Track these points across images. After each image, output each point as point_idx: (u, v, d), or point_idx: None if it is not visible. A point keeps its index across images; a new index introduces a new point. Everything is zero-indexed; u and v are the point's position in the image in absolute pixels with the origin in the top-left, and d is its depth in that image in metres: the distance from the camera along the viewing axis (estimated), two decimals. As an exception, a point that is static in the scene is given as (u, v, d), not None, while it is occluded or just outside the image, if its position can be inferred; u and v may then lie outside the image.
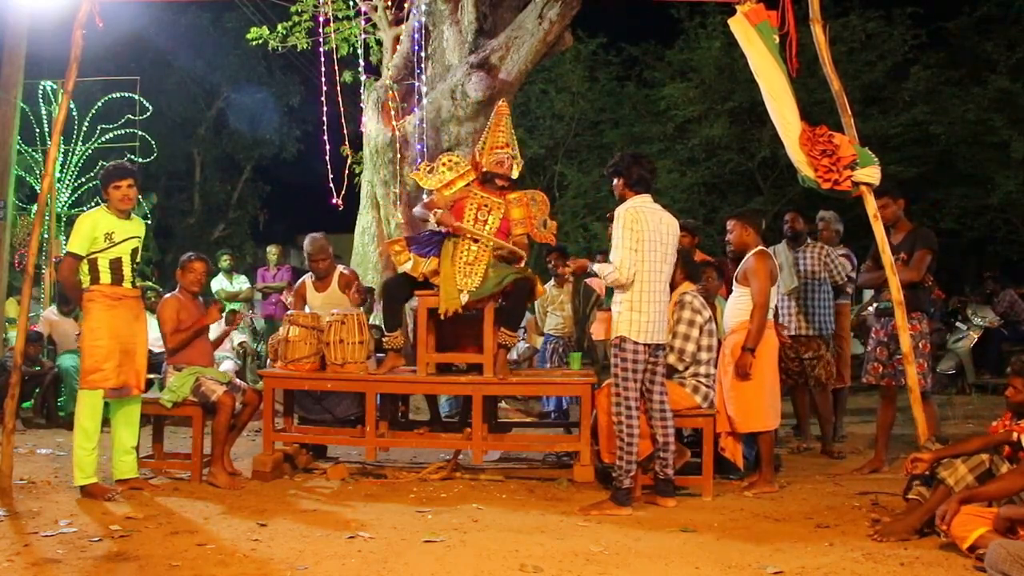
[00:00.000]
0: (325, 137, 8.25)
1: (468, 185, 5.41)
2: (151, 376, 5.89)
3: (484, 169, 5.37)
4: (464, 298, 5.10)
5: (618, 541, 3.93)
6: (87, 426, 4.69)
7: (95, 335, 4.70)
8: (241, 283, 9.66)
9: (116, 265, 4.77)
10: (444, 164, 5.48)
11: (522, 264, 5.40)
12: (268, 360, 6.12)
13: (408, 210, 8.31)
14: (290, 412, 5.74)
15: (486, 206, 5.32)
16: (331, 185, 8.20)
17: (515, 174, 5.41)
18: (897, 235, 5.44)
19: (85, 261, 4.74)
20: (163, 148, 13.12)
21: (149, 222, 13.53)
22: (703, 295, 5.29)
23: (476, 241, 5.21)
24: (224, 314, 5.92)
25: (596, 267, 4.77)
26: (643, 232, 4.52)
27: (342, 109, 8.52)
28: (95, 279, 4.76)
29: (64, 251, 5.00)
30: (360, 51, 9.15)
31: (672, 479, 4.72)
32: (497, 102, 5.71)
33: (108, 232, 4.74)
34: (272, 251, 10.08)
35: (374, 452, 5.39)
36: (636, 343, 4.51)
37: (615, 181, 4.73)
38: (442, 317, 5.17)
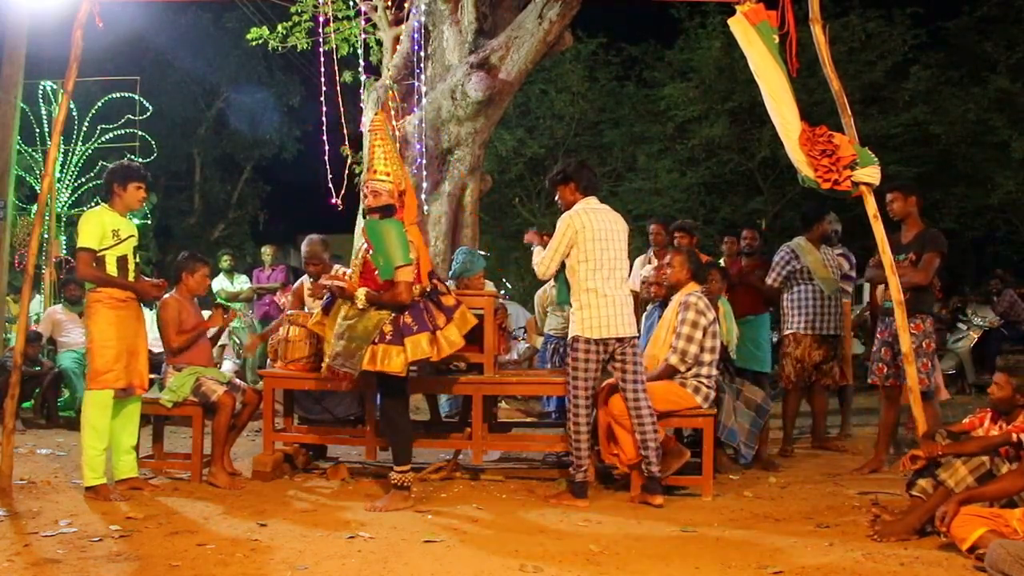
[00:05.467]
0: (325, 137, 8.23)
1: None
2: (151, 376, 5.89)
3: None
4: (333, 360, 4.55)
5: (618, 541, 3.93)
6: (98, 426, 4.68)
7: (105, 336, 4.69)
8: (242, 283, 9.63)
9: (123, 263, 4.77)
10: None
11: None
12: (268, 360, 6.11)
13: None
14: (290, 412, 5.74)
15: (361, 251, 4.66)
16: (331, 185, 8.18)
17: (387, 199, 4.52)
18: (908, 233, 5.42)
19: (93, 260, 4.72)
20: (163, 148, 13.14)
21: (149, 222, 13.59)
22: (707, 296, 5.29)
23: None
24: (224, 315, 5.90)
25: (535, 249, 5.01)
26: (585, 234, 4.63)
27: (342, 109, 8.50)
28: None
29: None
30: (360, 51, 9.13)
31: (657, 476, 4.71)
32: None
33: (115, 229, 4.76)
34: (266, 251, 10.00)
35: (374, 452, 5.39)
36: (588, 340, 4.62)
37: (563, 187, 4.79)
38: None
